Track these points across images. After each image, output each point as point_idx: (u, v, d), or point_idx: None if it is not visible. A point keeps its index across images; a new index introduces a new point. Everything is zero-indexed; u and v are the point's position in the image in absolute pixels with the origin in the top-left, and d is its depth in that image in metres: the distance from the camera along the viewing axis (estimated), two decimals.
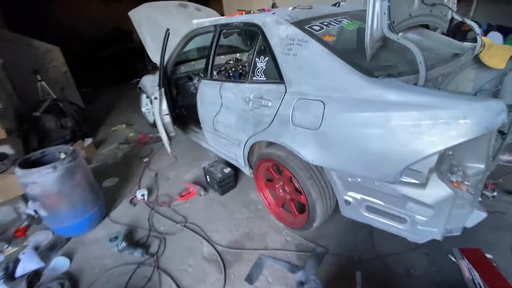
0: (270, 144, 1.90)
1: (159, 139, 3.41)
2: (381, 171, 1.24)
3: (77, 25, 12.22)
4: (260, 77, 1.78)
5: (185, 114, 3.36)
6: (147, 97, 3.83)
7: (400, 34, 1.22)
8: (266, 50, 1.72)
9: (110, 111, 5.16)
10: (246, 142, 1.96)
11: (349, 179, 1.40)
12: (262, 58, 1.77)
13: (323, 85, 1.40)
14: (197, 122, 3.00)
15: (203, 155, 3.05)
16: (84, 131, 3.72)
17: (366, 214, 1.45)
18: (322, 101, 1.37)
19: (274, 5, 6.02)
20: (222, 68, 3.69)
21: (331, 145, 1.36)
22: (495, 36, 4.30)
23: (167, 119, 2.45)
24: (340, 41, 1.58)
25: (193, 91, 3.66)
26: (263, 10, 2.05)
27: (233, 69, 3.49)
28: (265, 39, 1.72)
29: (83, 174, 1.98)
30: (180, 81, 3.49)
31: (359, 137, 1.25)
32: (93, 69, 10.10)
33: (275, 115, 1.62)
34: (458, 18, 1.95)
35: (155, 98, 2.35)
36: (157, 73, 3.53)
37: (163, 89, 2.41)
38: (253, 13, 2.00)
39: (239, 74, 3.59)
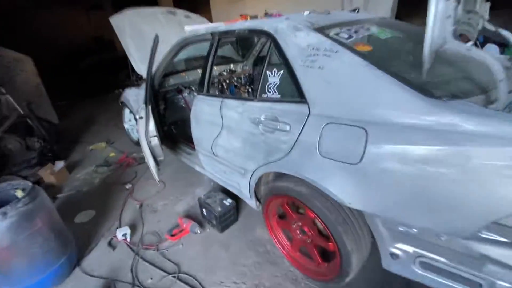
0: (281, 174, 1.56)
1: (143, 160, 3.00)
2: (452, 223, 0.92)
3: (56, 33, 11.67)
4: (273, 94, 1.45)
5: (174, 132, 2.98)
6: (131, 112, 3.42)
7: (470, 43, 0.94)
8: (281, 62, 1.40)
9: (89, 126, 4.66)
10: (254, 172, 1.61)
11: (400, 229, 1.08)
12: (274, 71, 1.45)
13: (363, 107, 1.09)
14: (189, 141, 2.63)
15: (196, 179, 2.66)
16: (56, 152, 3.23)
17: (420, 272, 1.12)
18: (363, 128, 1.06)
19: (266, 15, 5.84)
20: (215, 81, 3.38)
21: (377, 185, 1.04)
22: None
23: (155, 141, 2.06)
24: (378, 52, 1.29)
25: (183, 105, 3.32)
26: (272, 15, 1.75)
27: (227, 81, 3.19)
28: (278, 49, 1.40)
29: (46, 217, 1.54)
30: (169, 94, 3.13)
31: (421, 178, 0.94)
32: (72, 80, 9.54)
33: (295, 142, 1.29)
34: (491, 28, 1.72)
35: (141, 117, 1.97)
36: (142, 87, 3.15)
37: (150, 106, 2.02)
38: (261, 18, 1.70)
39: (234, 87, 3.29)
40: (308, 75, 1.26)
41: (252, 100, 1.56)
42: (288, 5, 5.20)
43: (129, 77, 7.52)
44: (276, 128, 1.38)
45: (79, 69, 10.34)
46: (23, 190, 1.57)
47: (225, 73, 3.48)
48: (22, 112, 3.21)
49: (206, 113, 1.89)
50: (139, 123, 1.97)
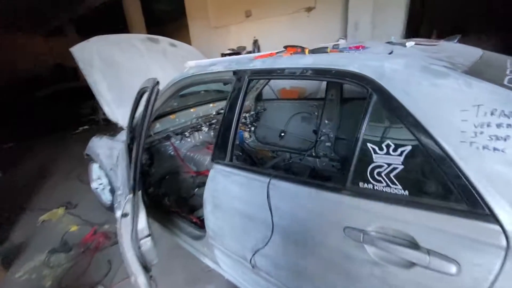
0: None
1: None
2: None
3: (6, 62, 10.27)
4: (388, 186, 0.79)
5: (165, 199, 2.19)
6: (100, 167, 2.56)
7: None
8: (401, 128, 0.77)
9: (42, 180, 3.61)
10: None
11: None
12: (389, 147, 0.80)
13: None
14: (187, 212, 1.91)
15: (199, 269, 1.86)
16: None
17: None
18: None
19: (256, 42, 5.38)
20: (214, 121, 2.73)
21: None
22: None
23: (147, 244, 1.25)
24: None
25: (172, 153, 2.59)
26: (351, 47, 1.10)
27: None
28: (394, 107, 0.78)
29: None
30: (154, 143, 2.37)
31: None
32: (24, 115, 8.15)
33: None
34: None
35: (125, 214, 1.18)
36: (118, 138, 2.33)
37: (140, 193, 1.23)
38: (330, 52, 1.07)
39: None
40: (494, 165, 0.63)
41: (338, 189, 0.88)
42: (279, 32, 4.80)
43: (96, 111, 6.55)
44: (415, 261, 0.71)
45: (31, 101, 8.96)
46: None
47: (223, 111, 2.82)
48: None
49: (236, 198, 1.17)
50: (122, 223, 1.18)
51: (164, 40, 2.94)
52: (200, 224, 1.75)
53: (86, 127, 6.10)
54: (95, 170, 2.69)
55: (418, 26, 6.07)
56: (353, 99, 2.29)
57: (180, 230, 1.79)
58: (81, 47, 2.26)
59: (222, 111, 2.76)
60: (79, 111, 6.89)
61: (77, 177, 3.53)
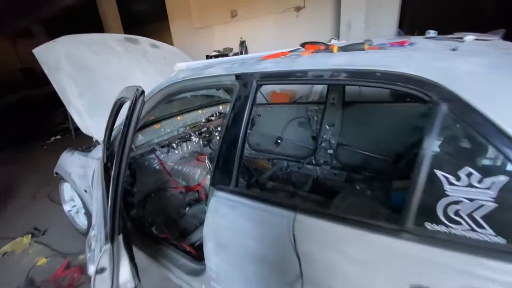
0: None
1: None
2: None
3: None
4: (474, 229, 0.58)
5: (148, 219, 1.90)
6: (72, 187, 2.21)
7: None
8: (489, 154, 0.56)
9: (3, 202, 3.14)
10: None
11: None
12: (471, 176, 0.59)
13: None
14: (177, 238, 1.65)
15: None
16: None
17: None
18: None
19: (243, 43, 5.14)
20: (204, 130, 2.45)
21: None
22: None
23: None
24: None
25: (157, 167, 2.30)
26: (392, 43, 0.86)
27: (219, 128, 2.36)
28: (478, 123, 0.57)
29: None
30: (136, 157, 2.07)
31: None
32: None
33: None
34: None
35: (102, 269, 0.89)
36: (93, 154, 1.98)
37: (121, 238, 0.94)
38: (368, 49, 0.84)
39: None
40: None
41: (395, 232, 0.65)
42: (266, 33, 4.60)
43: (68, 119, 6.02)
44: None
45: None
46: None
47: (213, 118, 2.58)
48: None
49: (247, 237, 0.92)
50: (97, 281, 0.89)
51: (144, 41, 2.65)
52: (195, 253, 1.49)
53: (58, 137, 5.57)
54: (66, 190, 2.33)
55: (400, 26, 6.08)
56: (354, 102, 2.12)
57: (171, 262, 1.51)
58: (45, 48, 1.94)
59: (212, 118, 2.52)
60: (50, 119, 6.31)
61: (47, 195, 3.11)
